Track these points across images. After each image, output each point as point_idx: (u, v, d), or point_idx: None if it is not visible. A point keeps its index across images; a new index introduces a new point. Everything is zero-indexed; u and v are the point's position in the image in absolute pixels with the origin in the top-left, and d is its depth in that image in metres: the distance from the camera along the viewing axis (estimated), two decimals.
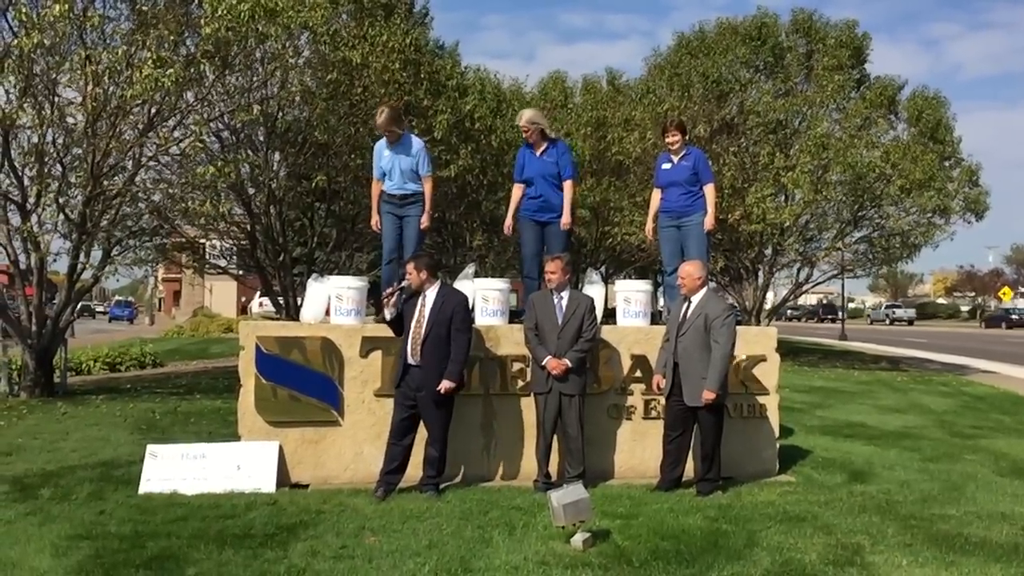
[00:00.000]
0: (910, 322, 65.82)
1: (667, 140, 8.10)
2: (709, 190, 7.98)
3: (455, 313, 6.55)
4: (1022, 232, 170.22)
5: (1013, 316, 58.41)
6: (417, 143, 7.92)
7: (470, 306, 7.14)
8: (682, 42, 23.24)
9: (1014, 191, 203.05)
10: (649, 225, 8.40)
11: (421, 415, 6.60)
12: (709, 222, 7.93)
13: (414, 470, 6.66)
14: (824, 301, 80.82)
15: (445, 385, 6.40)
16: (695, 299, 6.83)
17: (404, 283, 6.72)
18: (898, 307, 72.42)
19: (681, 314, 6.85)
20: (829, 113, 21.25)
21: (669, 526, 5.70)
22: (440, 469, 6.64)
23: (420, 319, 6.54)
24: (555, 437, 6.88)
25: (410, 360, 6.51)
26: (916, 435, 10.03)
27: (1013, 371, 20.48)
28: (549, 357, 6.70)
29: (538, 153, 7.93)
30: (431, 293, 6.61)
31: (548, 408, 6.77)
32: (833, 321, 66.17)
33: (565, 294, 6.88)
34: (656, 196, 8.25)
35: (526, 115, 8.03)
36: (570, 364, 6.67)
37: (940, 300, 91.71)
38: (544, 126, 7.98)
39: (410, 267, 6.66)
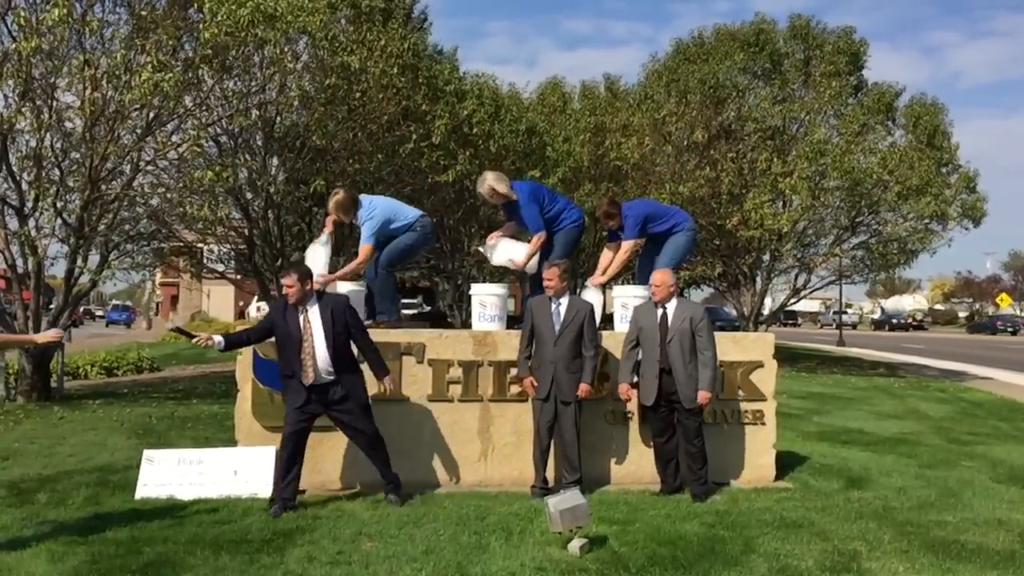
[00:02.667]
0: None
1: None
2: (625, 245, 7.94)
3: (348, 317, 6.41)
4: (1020, 238, 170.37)
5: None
6: (362, 216, 7.60)
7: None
8: (680, 48, 23.27)
9: (1014, 198, 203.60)
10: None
11: (348, 427, 6.47)
12: (595, 279, 8.01)
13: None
14: (826, 307, 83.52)
15: (387, 382, 6.45)
16: (670, 306, 6.88)
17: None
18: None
19: (659, 321, 6.86)
20: (827, 119, 21.24)
21: (666, 532, 5.71)
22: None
23: (309, 333, 6.25)
24: (552, 443, 6.90)
25: (324, 377, 6.25)
26: (913, 441, 10.04)
27: (1010, 377, 20.50)
28: (528, 377, 6.87)
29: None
30: (312, 305, 6.33)
31: (544, 414, 6.79)
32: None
33: (564, 300, 6.89)
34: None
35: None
36: (590, 387, 6.81)
37: (938, 306, 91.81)
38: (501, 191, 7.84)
39: (292, 279, 6.24)
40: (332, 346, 6.26)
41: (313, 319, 6.28)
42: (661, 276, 6.98)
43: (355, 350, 6.49)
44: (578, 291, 8.17)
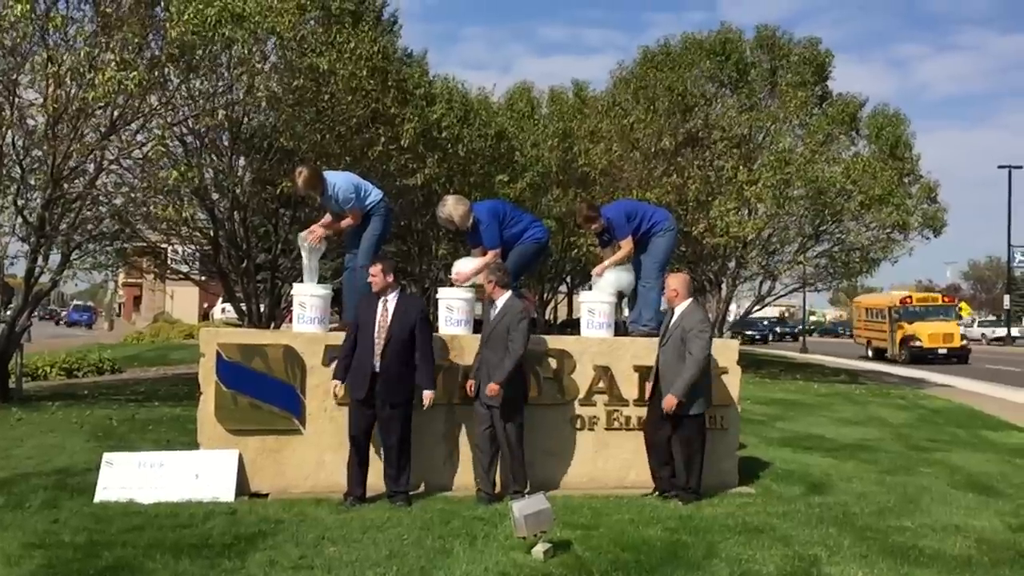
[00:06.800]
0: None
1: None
2: (625, 244, 8.01)
3: (419, 319, 6.64)
4: (980, 249, 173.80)
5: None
6: (337, 187, 7.61)
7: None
8: (647, 56, 23.40)
9: (976, 209, 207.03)
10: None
11: (382, 424, 6.59)
12: (599, 270, 8.14)
13: (375, 478, 6.66)
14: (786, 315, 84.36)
15: (427, 396, 6.58)
16: (677, 311, 7.00)
17: None
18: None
19: (664, 326, 7.06)
20: (792, 128, 21.48)
21: (629, 537, 5.74)
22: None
23: (385, 321, 6.57)
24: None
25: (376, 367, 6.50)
26: (873, 448, 10.17)
27: (969, 385, 20.83)
28: (470, 381, 6.83)
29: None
30: (392, 298, 6.65)
31: (480, 418, 6.79)
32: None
33: (500, 302, 6.87)
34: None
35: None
36: (499, 387, 6.62)
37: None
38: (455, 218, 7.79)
39: (376, 269, 6.67)
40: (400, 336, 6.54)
41: (391, 309, 6.61)
42: (667, 281, 7.24)
43: None
44: (554, 296, 8.19)
